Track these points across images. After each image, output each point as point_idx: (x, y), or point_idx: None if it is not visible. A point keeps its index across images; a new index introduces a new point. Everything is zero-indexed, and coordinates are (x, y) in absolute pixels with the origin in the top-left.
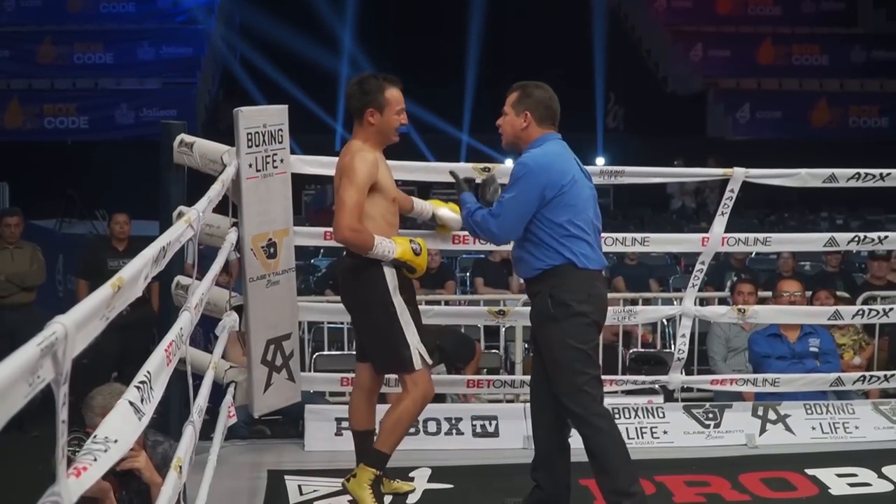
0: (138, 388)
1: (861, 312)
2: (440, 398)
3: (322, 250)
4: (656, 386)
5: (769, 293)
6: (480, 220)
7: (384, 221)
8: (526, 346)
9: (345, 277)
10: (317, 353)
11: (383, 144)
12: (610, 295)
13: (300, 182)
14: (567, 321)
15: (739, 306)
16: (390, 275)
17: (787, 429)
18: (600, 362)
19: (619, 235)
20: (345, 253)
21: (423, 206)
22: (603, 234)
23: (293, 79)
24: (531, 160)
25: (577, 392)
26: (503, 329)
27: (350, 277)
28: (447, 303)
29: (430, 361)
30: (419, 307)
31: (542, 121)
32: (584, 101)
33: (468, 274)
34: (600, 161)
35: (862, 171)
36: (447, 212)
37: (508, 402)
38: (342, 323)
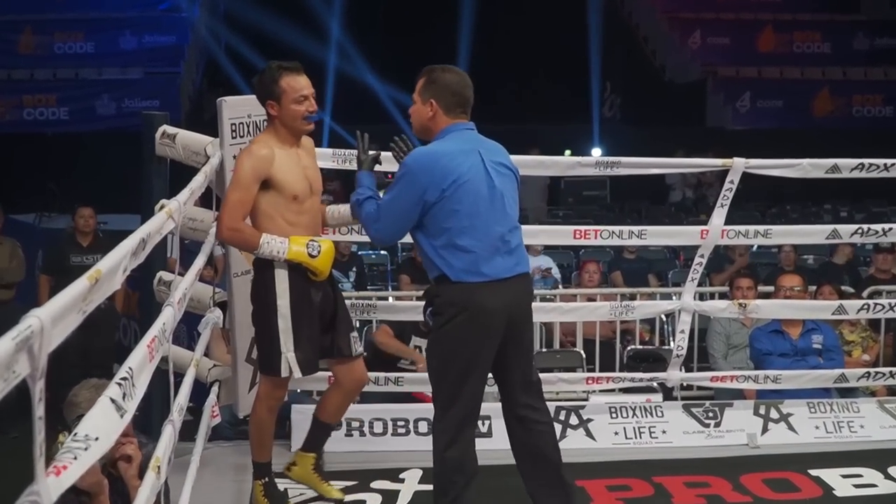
0: (120, 384)
1: (866, 307)
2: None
3: None
4: (655, 384)
5: (770, 288)
6: (365, 216)
7: (283, 220)
8: None
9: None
10: None
11: (295, 136)
12: (607, 290)
13: None
14: (438, 331)
15: (740, 301)
16: (281, 276)
17: (790, 428)
18: (482, 389)
19: (617, 228)
20: None
21: (340, 209)
22: (598, 228)
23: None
24: (412, 160)
25: (438, 411)
26: None
27: (254, 275)
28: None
29: (298, 374)
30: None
31: (449, 109)
32: (579, 91)
33: None
34: (596, 152)
35: (866, 161)
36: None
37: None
38: None
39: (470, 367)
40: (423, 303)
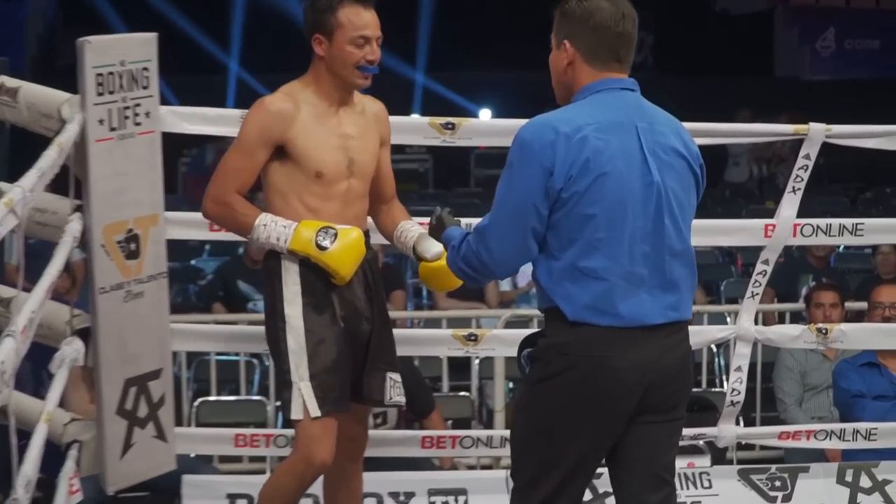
0: None
1: None
2: (388, 463)
3: (208, 246)
4: (701, 442)
5: (863, 304)
6: (466, 251)
7: (300, 204)
8: (510, 385)
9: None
10: (200, 399)
11: (343, 90)
12: None
13: (175, 146)
14: (533, 386)
15: (819, 325)
16: (290, 275)
17: (888, 500)
18: (593, 471)
19: None
20: None
21: (407, 231)
22: None
23: None
24: (527, 130)
25: (514, 491)
26: (476, 361)
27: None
28: (394, 323)
29: (315, 413)
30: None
31: (592, 56)
32: None
33: None
34: None
35: None
36: (432, 245)
37: (484, 468)
38: (236, 354)
39: (570, 448)
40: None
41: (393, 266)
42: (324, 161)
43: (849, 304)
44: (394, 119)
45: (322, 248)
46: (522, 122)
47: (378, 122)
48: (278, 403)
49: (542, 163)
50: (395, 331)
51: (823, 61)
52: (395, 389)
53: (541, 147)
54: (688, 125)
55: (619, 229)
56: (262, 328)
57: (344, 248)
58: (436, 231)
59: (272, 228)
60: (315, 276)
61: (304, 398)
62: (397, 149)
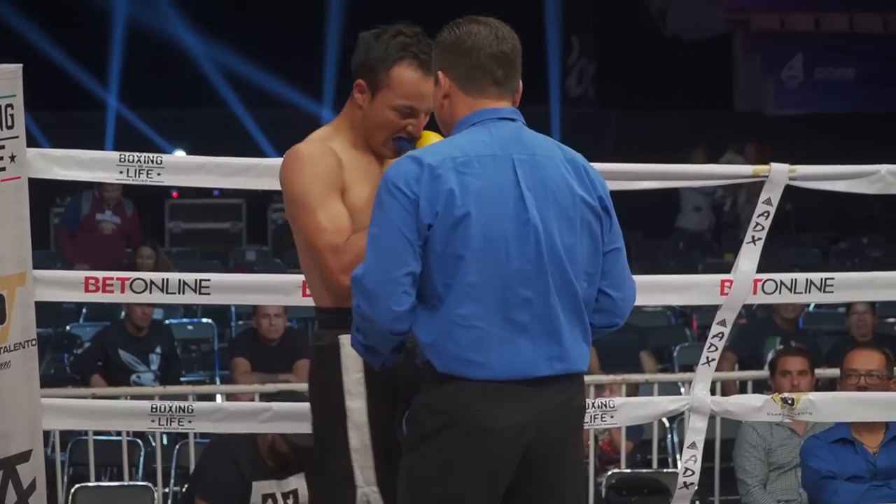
0: None
1: None
2: None
3: (85, 309)
4: None
5: (835, 371)
6: (354, 317)
7: None
8: None
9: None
10: (77, 485)
11: (368, 146)
12: None
13: (46, 193)
14: (410, 452)
15: (785, 395)
16: (351, 358)
17: None
18: None
19: None
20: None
21: None
22: None
23: (35, 21)
24: (394, 167)
25: None
26: None
27: (311, 363)
28: (297, 395)
29: None
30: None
31: (467, 82)
32: (527, 54)
33: None
34: None
35: (884, 168)
36: None
37: None
38: (118, 434)
39: None
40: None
41: (297, 331)
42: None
43: (819, 371)
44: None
45: None
46: None
47: None
48: (167, 490)
49: (407, 196)
50: (303, 405)
51: (790, 93)
52: None
53: (405, 182)
54: (632, 167)
55: (492, 273)
56: (146, 403)
57: None
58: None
59: None
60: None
61: None
62: None
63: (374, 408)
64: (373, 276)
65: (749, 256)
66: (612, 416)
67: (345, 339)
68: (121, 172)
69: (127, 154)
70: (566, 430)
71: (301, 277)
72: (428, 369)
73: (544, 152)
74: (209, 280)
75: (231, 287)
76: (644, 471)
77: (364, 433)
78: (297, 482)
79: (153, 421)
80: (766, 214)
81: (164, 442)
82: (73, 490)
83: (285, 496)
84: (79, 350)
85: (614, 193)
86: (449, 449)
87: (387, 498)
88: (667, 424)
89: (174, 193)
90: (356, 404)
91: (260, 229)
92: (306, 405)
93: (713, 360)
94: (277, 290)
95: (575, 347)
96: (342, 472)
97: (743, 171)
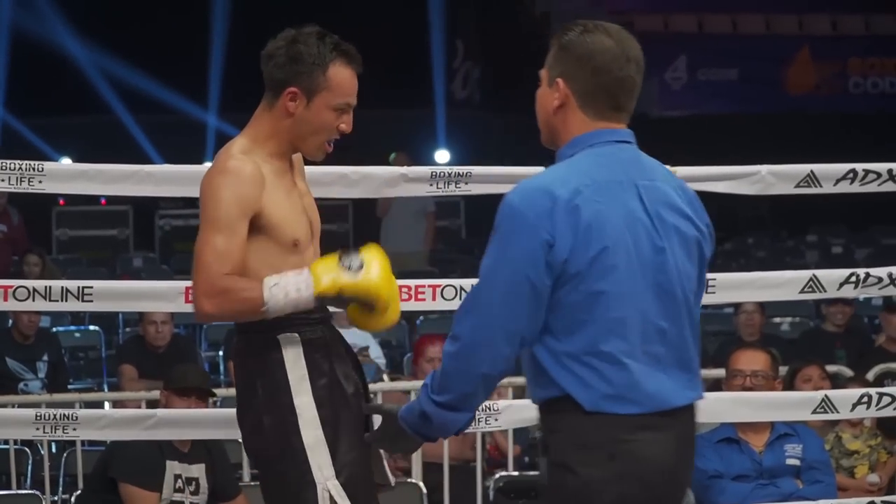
0: None
1: (867, 399)
2: None
3: None
4: None
5: (720, 371)
6: (445, 369)
7: None
8: None
9: (234, 372)
10: None
11: (294, 153)
12: None
13: None
14: (562, 493)
15: None
16: (292, 355)
17: None
18: None
19: (473, 282)
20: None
21: None
22: (439, 282)
23: None
24: (518, 196)
25: None
26: None
27: (237, 370)
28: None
29: None
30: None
31: (588, 102)
32: (411, 58)
33: (220, 353)
34: (442, 156)
35: (859, 167)
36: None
37: None
38: (5, 443)
39: None
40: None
41: (184, 338)
42: (297, 227)
43: (704, 372)
44: (174, 168)
45: (354, 270)
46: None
47: (303, 172)
48: (56, 498)
49: (539, 234)
50: (187, 411)
51: (674, 94)
52: (389, 468)
53: (536, 216)
54: (513, 170)
55: (632, 306)
56: (31, 411)
57: (382, 270)
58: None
59: (285, 284)
60: (318, 353)
61: (336, 499)
62: (188, 202)
63: (322, 401)
64: (492, 332)
65: None
66: (496, 419)
67: (284, 339)
68: (2, 180)
69: (8, 161)
70: (690, 460)
71: (184, 283)
72: (566, 406)
73: (661, 178)
74: (92, 287)
75: (114, 294)
76: (531, 473)
77: (316, 427)
78: (198, 472)
79: (38, 429)
80: None
81: (53, 450)
82: None
83: (187, 481)
84: None
85: (497, 197)
86: (604, 487)
87: (346, 487)
88: None
89: (61, 201)
90: (303, 400)
91: (147, 236)
92: (193, 412)
93: None
94: (160, 297)
95: (699, 375)
96: (300, 474)
97: None
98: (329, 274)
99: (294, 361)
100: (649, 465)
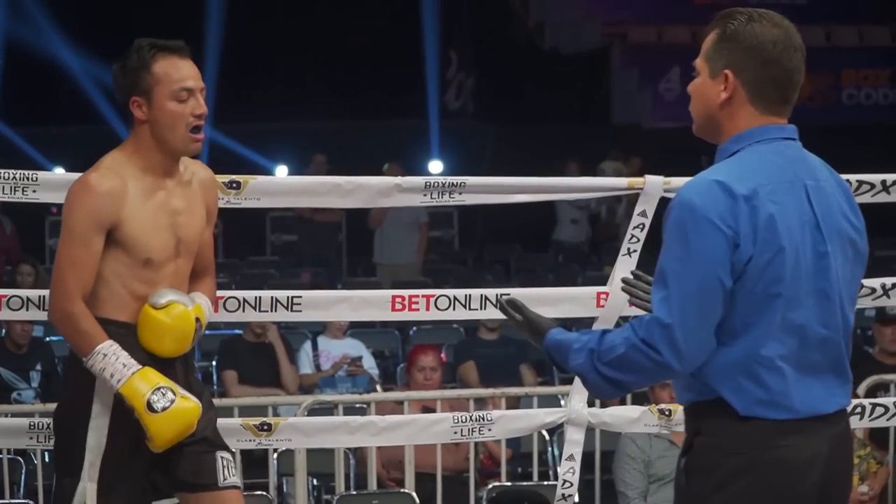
0: None
1: (860, 410)
2: None
3: None
4: None
5: None
6: (628, 353)
7: (125, 290)
8: (315, 483)
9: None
10: None
11: (171, 159)
12: (452, 392)
13: None
14: (709, 500)
15: (662, 406)
16: (103, 394)
17: None
18: None
19: (465, 293)
20: None
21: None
22: (433, 292)
23: None
24: (693, 191)
25: None
26: (274, 455)
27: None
28: None
29: None
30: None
31: (759, 95)
32: (405, 68)
33: (213, 363)
34: (435, 166)
35: (853, 177)
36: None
37: None
38: None
39: None
40: None
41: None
42: (153, 246)
43: None
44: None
45: (153, 411)
46: (322, 179)
47: (205, 192)
48: None
49: (723, 232)
50: None
51: (667, 106)
52: (228, 470)
53: (719, 214)
54: (509, 180)
55: (795, 310)
56: (25, 420)
57: (172, 417)
58: (527, 327)
59: (110, 363)
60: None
61: (87, 499)
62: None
63: (119, 412)
64: (689, 333)
65: (625, 268)
66: (489, 430)
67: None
68: None
69: (1, 171)
70: (849, 463)
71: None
72: (718, 409)
73: (824, 177)
74: None
75: None
76: (524, 483)
77: (102, 435)
78: None
79: (31, 438)
80: (641, 227)
81: (46, 459)
82: None
83: None
84: None
85: (492, 207)
86: (753, 492)
87: (101, 498)
88: (547, 437)
89: (54, 210)
90: (101, 408)
91: None
92: None
93: None
94: None
95: (850, 382)
96: (72, 462)
97: (618, 183)
98: (137, 391)
99: (109, 377)
100: (798, 472)
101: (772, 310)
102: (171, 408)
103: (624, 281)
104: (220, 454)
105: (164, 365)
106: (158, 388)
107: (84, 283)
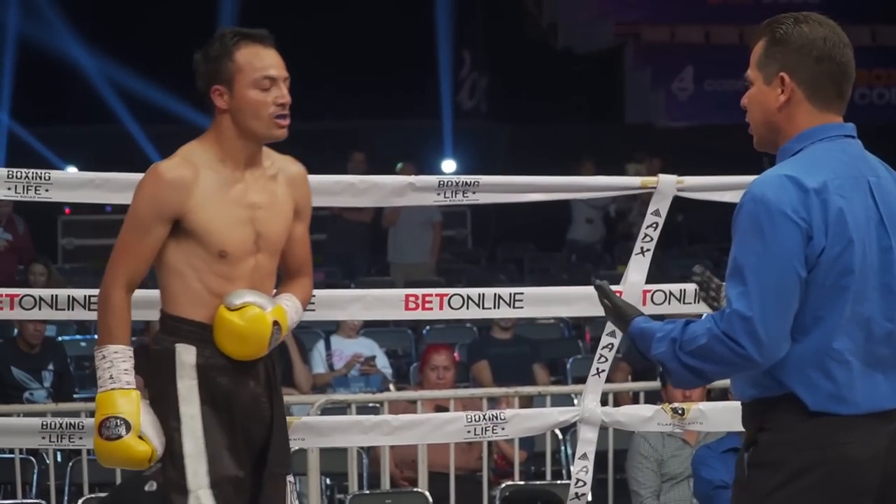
0: None
1: None
2: None
3: None
4: None
5: (727, 381)
6: (711, 344)
7: (201, 285)
8: (328, 482)
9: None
10: None
11: (249, 149)
12: (465, 392)
13: None
14: (772, 496)
15: (675, 405)
16: (186, 366)
17: None
18: None
19: (478, 291)
20: None
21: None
22: (446, 291)
23: None
24: (763, 187)
25: None
26: None
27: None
28: None
29: None
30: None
31: (816, 93)
32: (418, 68)
33: None
34: (449, 165)
35: None
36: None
37: None
38: (11, 452)
39: None
40: None
41: None
42: (227, 238)
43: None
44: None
45: (100, 432)
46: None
47: (293, 188)
48: None
49: (798, 224)
50: None
51: (680, 105)
52: (293, 495)
53: (793, 207)
54: (522, 179)
55: (862, 304)
56: (37, 420)
57: (111, 449)
58: (613, 313)
59: (104, 367)
60: (215, 370)
61: None
62: None
63: (208, 413)
64: (770, 325)
65: (638, 267)
66: (503, 429)
67: (180, 348)
68: (9, 189)
69: (15, 170)
70: None
71: None
72: (787, 405)
73: (884, 174)
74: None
75: (143, 303)
76: (538, 483)
77: (198, 437)
78: None
79: (44, 438)
80: (654, 226)
81: (58, 459)
82: None
83: None
84: None
85: (505, 206)
86: (818, 488)
87: (218, 499)
88: (560, 436)
89: (67, 210)
90: (191, 410)
91: None
92: None
93: (603, 371)
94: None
95: None
96: (177, 477)
97: (631, 182)
98: (99, 410)
99: (186, 371)
100: (861, 469)
101: (841, 303)
102: (114, 441)
103: (695, 272)
104: (289, 479)
105: (244, 367)
106: (116, 417)
107: (133, 271)
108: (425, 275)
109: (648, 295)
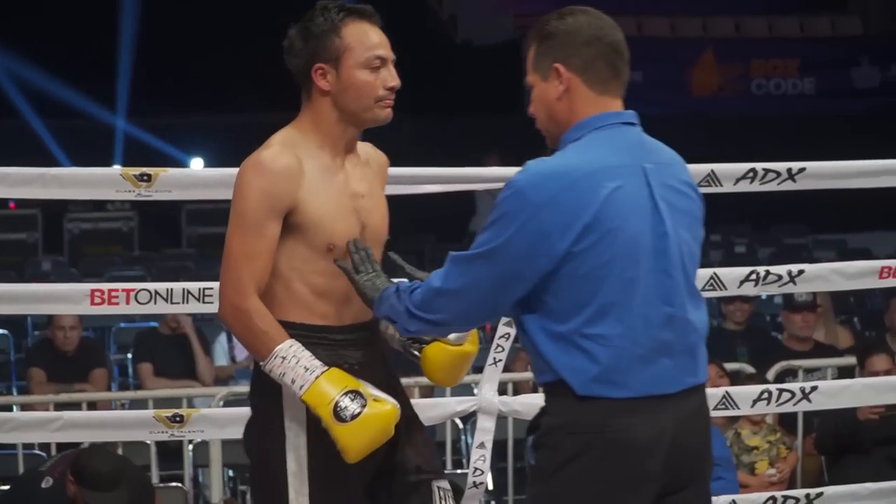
0: None
1: (767, 395)
2: None
3: None
4: None
5: None
6: (413, 300)
7: (305, 286)
8: (231, 474)
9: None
10: None
11: (348, 135)
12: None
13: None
14: (545, 481)
15: None
16: (293, 408)
17: None
18: None
19: None
20: None
21: None
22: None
23: None
24: (525, 179)
25: None
26: (189, 447)
27: (251, 401)
28: (95, 405)
29: None
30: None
31: (592, 75)
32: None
33: (129, 356)
34: None
35: (759, 166)
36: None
37: None
38: None
39: None
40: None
41: (93, 341)
42: (336, 231)
43: None
44: (80, 171)
45: (341, 420)
46: (234, 170)
47: (383, 177)
48: None
49: (542, 222)
50: (91, 414)
51: None
52: (446, 502)
53: (541, 202)
54: (418, 171)
55: (632, 290)
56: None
57: (364, 425)
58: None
59: (290, 366)
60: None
61: None
62: (97, 205)
63: (315, 426)
64: (464, 300)
65: None
66: None
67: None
68: None
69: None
70: (703, 441)
71: (90, 286)
72: (560, 389)
73: (666, 159)
74: None
75: (20, 297)
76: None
77: (301, 455)
78: None
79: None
80: None
81: None
82: None
83: None
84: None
85: (403, 197)
86: (595, 468)
87: None
88: (461, 426)
89: (12, 205)
90: (295, 425)
91: (56, 239)
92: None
93: (500, 360)
94: (66, 300)
95: (703, 359)
96: (277, 494)
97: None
98: (323, 397)
99: (296, 412)
100: (637, 452)
101: (603, 290)
102: (361, 414)
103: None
104: (436, 485)
105: (360, 371)
106: (346, 393)
107: (258, 275)
108: None
109: None
